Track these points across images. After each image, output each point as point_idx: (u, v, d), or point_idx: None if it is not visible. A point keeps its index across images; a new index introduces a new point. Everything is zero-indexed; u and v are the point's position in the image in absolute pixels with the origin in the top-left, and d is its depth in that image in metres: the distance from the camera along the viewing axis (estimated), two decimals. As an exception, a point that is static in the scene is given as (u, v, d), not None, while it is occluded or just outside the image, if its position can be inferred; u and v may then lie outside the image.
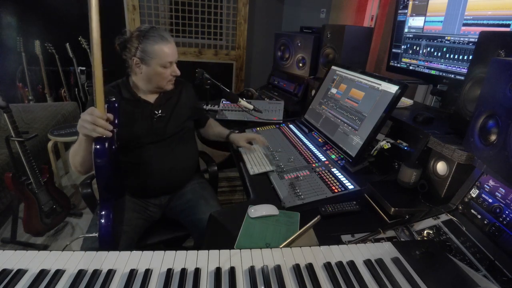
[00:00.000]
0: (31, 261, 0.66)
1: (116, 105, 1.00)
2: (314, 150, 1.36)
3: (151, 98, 1.26)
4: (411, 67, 1.54)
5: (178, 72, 1.23)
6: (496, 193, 0.83)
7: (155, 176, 1.23)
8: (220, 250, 0.70)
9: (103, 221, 0.98)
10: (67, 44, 2.78)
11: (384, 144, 1.19)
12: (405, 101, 1.47)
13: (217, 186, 1.49)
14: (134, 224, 1.18)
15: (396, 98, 1.12)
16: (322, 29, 1.90)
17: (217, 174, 1.46)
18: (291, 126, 1.68)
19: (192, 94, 1.42)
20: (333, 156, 1.29)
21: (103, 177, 0.95)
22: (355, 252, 0.71)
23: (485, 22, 1.15)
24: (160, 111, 1.25)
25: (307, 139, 1.48)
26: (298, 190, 1.06)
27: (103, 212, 0.99)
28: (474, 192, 0.89)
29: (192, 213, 1.23)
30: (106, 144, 0.90)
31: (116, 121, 0.99)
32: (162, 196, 1.30)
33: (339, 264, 0.67)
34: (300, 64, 2.06)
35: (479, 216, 0.84)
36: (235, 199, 2.36)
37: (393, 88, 1.15)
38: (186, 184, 1.35)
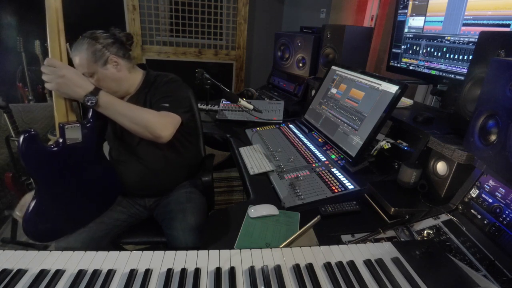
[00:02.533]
0: (31, 261, 0.67)
1: None
2: (314, 150, 1.36)
3: (126, 98, 1.20)
4: (411, 67, 1.54)
5: None
6: (496, 193, 0.83)
7: (133, 177, 1.22)
8: (220, 250, 0.70)
9: (28, 210, 0.92)
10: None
11: (384, 144, 1.18)
12: (405, 101, 1.47)
13: (212, 197, 1.39)
14: (115, 217, 1.19)
15: (396, 98, 1.12)
16: (322, 29, 1.90)
17: (211, 184, 1.34)
18: (291, 126, 1.68)
19: (160, 91, 1.18)
20: (333, 156, 1.29)
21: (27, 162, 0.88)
22: (355, 252, 0.71)
23: (485, 22, 1.15)
24: None
25: (307, 139, 1.48)
26: (298, 190, 1.06)
27: (33, 200, 0.92)
28: (474, 192, 0.89)
29: (168, 227, 1.16)
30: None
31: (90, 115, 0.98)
32: (146, 198, 1.28)
33: (339, 264, 0.67)
34: (300, 64, 2.06)
35: (479, 216, 0.84)
36: (234, 199, 2.36)
37: (393, 88, 1.15)
38: (172, 190, 1.29)
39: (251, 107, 1.72)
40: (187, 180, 1.35)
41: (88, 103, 0.95)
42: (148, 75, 1.25)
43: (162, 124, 1.06)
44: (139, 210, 1.28)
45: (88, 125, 0.98)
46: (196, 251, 0.69)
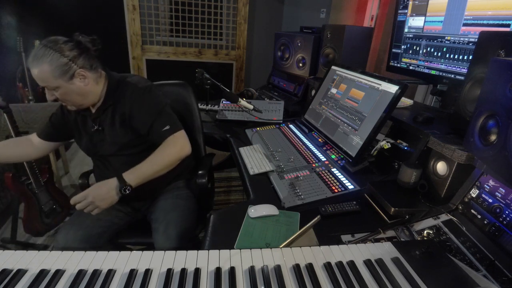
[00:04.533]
0: (31, 261, 0.67)
1: None
2: (314, 150, 1.36)
3: (94, 108, 1.14)
4: (411, 67, 1.53)
5: (47, 98, 1.07)
6: (496, 193, 0.83)
7: None
8: (220, 250, 0.70)
9: None
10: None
11: (384, 144, 1.18)
12: (405, 101, 1.47)
13: (209, 199, 1.32)
14: (112, 215, 1.20)
15: (396, 98, 1.12)
16: (322, 29, 1.90)
17: (205, 187, 1.26)
18: (291, 126, 1.68)
19: (144, 108, 1.10)
20: (333, 156, 1.29)
21: None
22: (355, 252, 0.71)
23: (485, 22, 1.15)
24: (97, 125, 1.13)
25: (307, 139, 1.48)
26: (298, 190, 1.06)
27: None
28: (474, 192, 0.89)
29: (154, 239, 1.13)
30: None
31: None
32: (135, 201, 1.27)
33: (339, 264, 0.67)
34: (300, 64, 2.06)
35: (479, 216, 0.84)
36: (233, 199, 2.36)
37: (393, 88, 1.15)
38: (160, 192, 1.27)
39: (251, 107, 1.72)
40: (180, 180, 1.32)
41: (127, 192, 1.01)
42: (110, 82, 1.14)
43: (180, 150, 1.10)
44: (131, 211, 1.28)
45: None
46: (196, 251, 0.69)
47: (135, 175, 1.03)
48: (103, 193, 0.99)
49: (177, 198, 1.26)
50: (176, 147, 1.10)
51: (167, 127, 1.10)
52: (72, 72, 1.02)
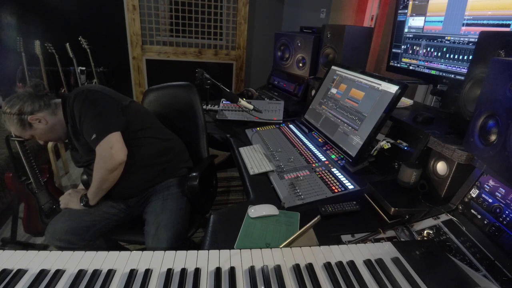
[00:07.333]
0: (31, 261, 0.67)
1: None
2: (314, 150, 1.36)
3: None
4: (411, 67, 1.54)
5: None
6: (496, 193, 0.83)
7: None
8: (220, 250, 0.70)
9: None
10: (67, 44, 2.79)
11: (384, 144, 1.18)
12: (405, 101, 1.47)
13: (203, 202, 1.27)
14: (103, 210, 1.22)
15: (396, 98, 1.12)
16: (322, 29, 1.90)
17: (196, 190, 1.20)
18: (291, 126, 1.68)
19: (77, 119, 1.12)
20: (333, 156, 1.29)
21: None
22: (355, 252, 0.71)
23: (485, 22, 1.15)
24: (72, 145, 1.25)
25: (307, 139, 1.48)
26: (298, 190, 1.06)
27: None
28: (474, 192, 0.89)
29: (145, 241, 1.14)
30: None
31: None
32: (126, 198, 1.27)
33: (339, 264, 0.67)
34: (300, 64, 2.06)
35: (479, 216, 0.84)
36: (233, 200, 2.36)
37: (393, 88, 1.15)
38: (149, 191, 1.26)
39: (251, 107, 1.72)
40: (171, 179, 1.28)
41: (83, 203, 1.20)
42: (63, 104, 1.20)
43: (108, 160, 1.09)
44: (125, 207, 1.28)
45: None
46: (196, 251, 0.69)
47: (91, 195, 1.18)
48: (72, 201, 1.22)
49: (167, 199, 1.22)
50: (103, 159, 1.09)
51: (94, 136, 1.08)
52: (27, 122, 1.14)
